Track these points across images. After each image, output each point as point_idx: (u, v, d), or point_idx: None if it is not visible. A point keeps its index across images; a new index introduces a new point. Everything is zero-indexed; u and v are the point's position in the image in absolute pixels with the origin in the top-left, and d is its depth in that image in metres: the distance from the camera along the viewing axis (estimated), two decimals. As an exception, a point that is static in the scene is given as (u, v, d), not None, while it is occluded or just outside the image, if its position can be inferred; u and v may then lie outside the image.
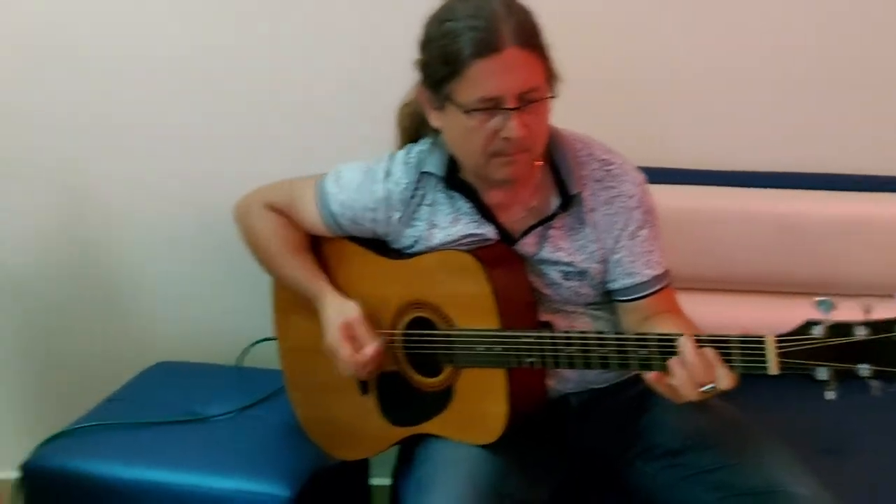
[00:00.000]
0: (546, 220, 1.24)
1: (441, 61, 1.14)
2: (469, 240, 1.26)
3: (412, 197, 1.28)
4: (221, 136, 1.70)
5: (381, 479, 1.66)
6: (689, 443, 1.22)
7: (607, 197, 1.24)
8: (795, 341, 0.98)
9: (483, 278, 1.20)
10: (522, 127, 1.13)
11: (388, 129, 1.37)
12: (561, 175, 1.23)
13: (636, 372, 1.16)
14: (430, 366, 1.28)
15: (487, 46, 1.10)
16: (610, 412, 1.30)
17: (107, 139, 1.70)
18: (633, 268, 1.25)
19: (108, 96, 1.68)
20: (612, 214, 1.24)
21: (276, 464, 1.40)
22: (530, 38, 1.13)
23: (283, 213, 1.38)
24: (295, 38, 1.66)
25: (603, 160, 1.25)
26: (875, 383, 0.96)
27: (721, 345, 1.03)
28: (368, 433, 1.36)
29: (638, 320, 1.26)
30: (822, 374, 0.97)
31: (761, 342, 1.00)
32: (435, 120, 1.22)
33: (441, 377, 1.26)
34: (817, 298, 0.97)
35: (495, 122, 1.14)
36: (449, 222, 1.27)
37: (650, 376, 1.09)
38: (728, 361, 1.03)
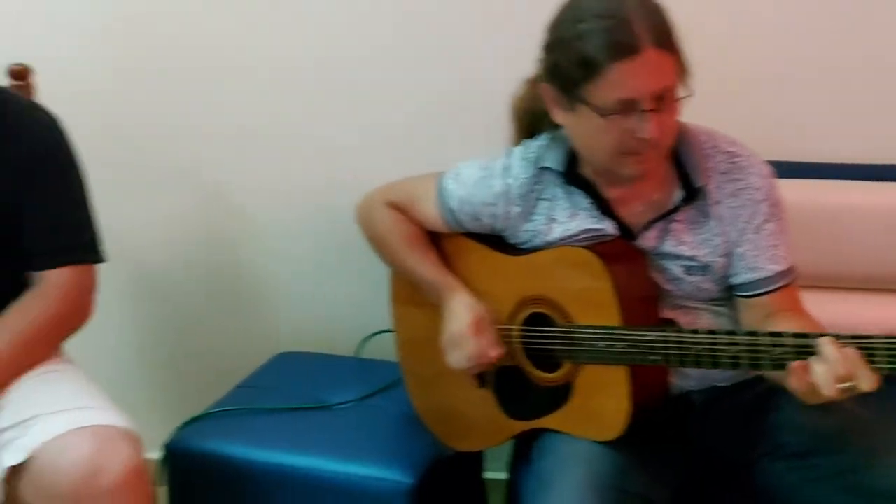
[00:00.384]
0: (668, 214, 1.23)
1: (575, 64, 1.12)
2: (587, 235, 1.26)
3: (531, 192, 1.29)
4: (342, 140, 1.75)
5: (494, 473, 1.68)
6: (818, 443, 1.18)
7: (733, 189, 1.21)
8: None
9: (603, 273, 1.19)
10: (658, 127, 1.11)
11: (503, 128, 1.38)
12: (685, 168, 1.21)
13: (767, 372, 1.13)
14: (547, 361, 1.28)
15: (625, 49, 1.09)
16: (734, 410, 1.27)
17: (239, 145, 1.79)
18: (756, 262, 1.22)
19: (239, 106, 1.76)
20: (737, 207, 1.21)
21: (398, 452, 1.43)
22: (665, 37, 1.12)
23: (404, 211, 1.41)
24: (412, 41, 1.69)
25: (729, 152, 1.22)
26: None
27: (864, 344, 1.00)
28: (486, 425, 1.38)
29: (758, 317, 1.22)
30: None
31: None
32: (560, 118, 1.21)
33: (560, 372, 1.27)
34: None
35: (630, 122, 1.12)
36: (567, 217, 1.27)
37: (793, 369, 1.04)
38: (872, 362, 0.99)
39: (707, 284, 1.24)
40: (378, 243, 1.45)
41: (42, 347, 1.30)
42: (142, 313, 1.93)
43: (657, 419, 1.25)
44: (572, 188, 1.26)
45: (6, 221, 1.30)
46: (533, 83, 1.29)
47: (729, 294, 1.26)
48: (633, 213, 1.25)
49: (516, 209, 1.30)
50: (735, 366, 1.09)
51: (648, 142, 1.13)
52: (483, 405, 1.37)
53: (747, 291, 1.23)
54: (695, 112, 1.20)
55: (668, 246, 1.23)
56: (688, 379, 1.26)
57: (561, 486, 1.15)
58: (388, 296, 1.50)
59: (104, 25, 1.74)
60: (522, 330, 1.30)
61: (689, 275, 1.24)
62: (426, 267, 1.38)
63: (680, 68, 1.14)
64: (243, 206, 1.83)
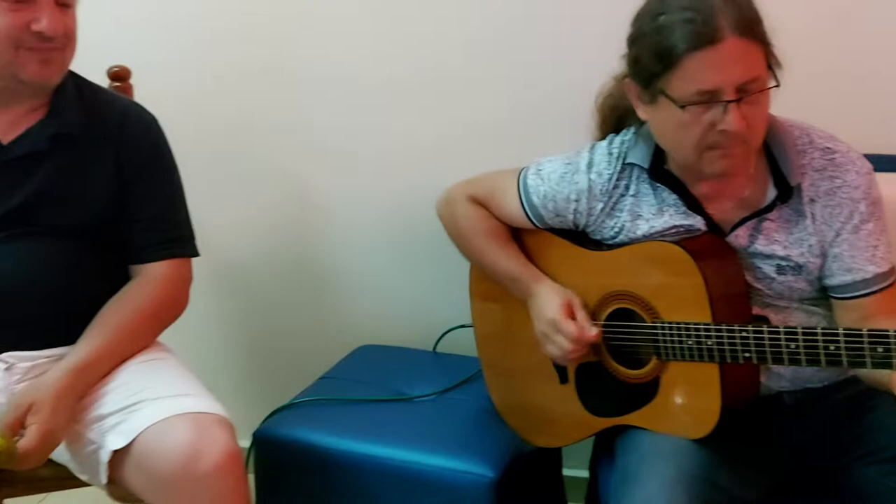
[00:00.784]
0: (761, 212, 1.20)
1: (654, 57, 1.11)
2: (675, 230, 1.24)
3: (615, 187, 1.27)
4: (423, 137, 1.77)
5: (572, 471, 1.67)
6: (919, 449, 1.14)
7: (829, 187, 1.17)
8: None
9: (694, 269, 1.17)
10: (741, 119, 1.08)
11: (586, 125, 1.37)
12: (778, 164, 1.18)
13: (864, 370, 1.10)
14: (632, 357, 1.27)
15: (704, 38, 1.07)
16: (827, 412, 1.24)
17: (323, 144, 1.83)
18: (853, 263, 1.18)
19: (324, 107, 1.80)
20: (833, 206, 1.17)
21: (480, 445, 1.44)
22: (750, 26, 1.09)
23: (485, 206, 1.41)
24: (496, 40, 1.70)
25: (825, 148, 1.19)
26: None
27: None
28: (567, 422, 1.37)
29: (855, 320, 1.18)
30: None
31: None
32: (644, 113, 1.20)
33: (646, 369, 1.25)
34: None
35: (712, 114, 1.10)
36: (653, 213, 1.26)
37: None
38: None
39: (800, 284, 1.21)
40: (459, 238, 1.45)
41: (144, 335, 1.36)
42: (230, 307, 2.00)
43: (745, 420, 1.22)
44: (658, 184, 1.25)
45: (113, 217, 1.37)
46: (619, 79, 1.28)
47: (823, 294, 1.23)
48: (723, 210, 1.23)
49: (600, 205, 1.29)
50: (833, 363, 1.06)
51: (731, 135, 1.10)
52: (564, 401, 1.36)
53: (844, 293, 1.20)
54: (787, 105, 1.17)
55: (760, 245, 1.21)
56: (780, 379, 1.23)
57: (647, 480, 1.14)
58: (465, 291, 1.51)
59: (198, 32, 1.81)
60: (607, 325, 1.30)
61: (781, 274, 1.21)
62: (509, 261, 1.38)
63: (769, 59, 1.11)
64: (327, 204, 1.87)
